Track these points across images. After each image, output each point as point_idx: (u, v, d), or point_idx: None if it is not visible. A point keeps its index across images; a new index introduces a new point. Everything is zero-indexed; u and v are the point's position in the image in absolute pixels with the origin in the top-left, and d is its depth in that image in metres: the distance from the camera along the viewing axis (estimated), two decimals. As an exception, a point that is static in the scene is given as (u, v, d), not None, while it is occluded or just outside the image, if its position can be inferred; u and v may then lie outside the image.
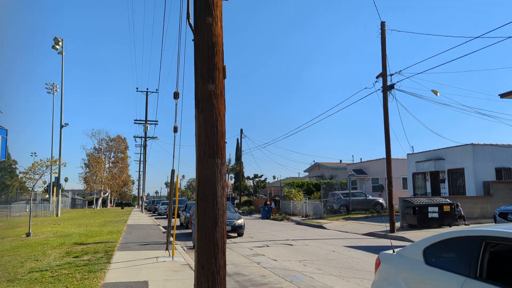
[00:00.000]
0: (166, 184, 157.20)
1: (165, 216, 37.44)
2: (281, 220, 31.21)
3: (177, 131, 9.47)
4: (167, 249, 11.24)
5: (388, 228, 19.92)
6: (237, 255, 12.67)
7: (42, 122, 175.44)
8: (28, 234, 17.82)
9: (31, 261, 10.35)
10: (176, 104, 9.22)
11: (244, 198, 50.18)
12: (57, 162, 19.06)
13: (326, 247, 14.08)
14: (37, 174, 19.13)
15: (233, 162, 77.30)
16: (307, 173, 50.61)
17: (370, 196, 31.22)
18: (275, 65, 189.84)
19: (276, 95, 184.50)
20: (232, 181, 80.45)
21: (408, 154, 30.04)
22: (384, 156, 36.03)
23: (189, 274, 8.73)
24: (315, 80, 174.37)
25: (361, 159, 45.18)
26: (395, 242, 15.82)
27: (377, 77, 19.48)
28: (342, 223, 25.25)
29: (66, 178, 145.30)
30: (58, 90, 53.13)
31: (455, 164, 25.65)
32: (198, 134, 4.70)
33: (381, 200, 31.06)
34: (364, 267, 10.14)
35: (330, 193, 31.53)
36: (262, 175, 46.95)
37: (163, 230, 21.13)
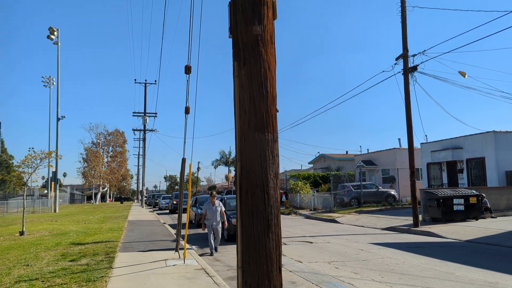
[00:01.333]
0: (165, 178, 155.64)
1: (168, 211, 36.36)
2: (289, 214, 29.83)
3: (189, 112, 8.02)
4: (176, 250, 9.81)
5: (409, 222, 18.57)
6: (229, 244, 11.30)
7: (39, 116, 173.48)
8: (21, 233, 16.40)
9: (21, 267, 8.92)
10: (187, 80, 7.76)
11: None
12: (52, 155, 17.62)
13: (351, 245, 12.67)
14: (30, 167, 17.69)
15: (233, 154, 76.00)
16: (311, 165, 49.17)
17: (381, 188, 29.82)
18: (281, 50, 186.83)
19: (281, 82, 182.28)
20: (233, 174, 79.15)
21: (422, 143, 28.59)
22: (394, 146, 34.85)
23: (206, 282, 7.31)
24: (325, 67, 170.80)
25: (368, 149, 43.79)
26: (423, 238, 14.45)
27: (397, 59, 18.01)
28: (356, 216, 23.88)
29: (64, 173, 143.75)
30: (54, 83, 51.50)
31: (474, 153, 24.23)
32: (240, 98, 3.24)
33: (393, 192, 29.68)
34: (407, 270, 8.72)
35: (340, 185, 30.13)
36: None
37: (167, 226, 19.72)
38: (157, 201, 48.46)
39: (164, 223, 21.49)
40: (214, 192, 11.48)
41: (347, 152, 46.62)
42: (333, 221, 22.51)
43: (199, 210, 19.36)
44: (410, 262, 9.63)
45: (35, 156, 17.66)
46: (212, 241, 11.24)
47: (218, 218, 11.17)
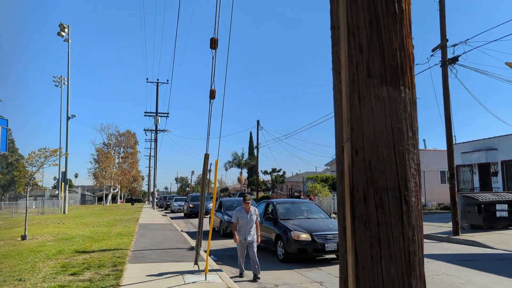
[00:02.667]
0: (176, 179, 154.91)
1: (182, 215, 33.28)
2: (307, 218, 28.33)
3: (214, 97, 6.55)
4: (196, 263, 8.32)
5: (444, 229, 16.94)
6: (284, 267, 9.77)
7: (50, 116, 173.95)
8: (23, 237, 15.07)
9: (11, 282, 7.52)
10: (213, 58, 6.29)
11: (261, 194, 47.29)
12: (58, 152, 16.33)
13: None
14: (34, 166, 16.40)
15: (246, 156, 74.50)
16: (327, 167, 47.51)
17: (406, 192, 28.12)
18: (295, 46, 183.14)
19: (293, 83, 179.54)
20: (245, 176, 77.68)
21: (450, 144, 26.81)
22: (420, 148, 33.00)
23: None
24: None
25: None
26: (469, 249, 12.79)
27: (433, 50, 16.37)
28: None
29: (76, 174, 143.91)
30: (66, 83, 50.55)
31: (511, 154, 22.45)
32: (348, 24, 1.74)
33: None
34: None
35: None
36: (281, 169, 43.98)
37: (179, 230, 18.28)
38: (169, 203, 46.53)
39: (182, 230, 20.05)
40: (248, 196, 8.64)
41: (365, 153, 44.84)
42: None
43: (225, 217, 17.19)
44: (475, 280, 8.04)
45: (40, 154, 16.37)
46: (243, 260, 8.78)
47: (253, 230, 8.53)
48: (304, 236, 10.27)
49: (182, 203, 37.21)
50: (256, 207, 13.25)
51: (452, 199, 15.54)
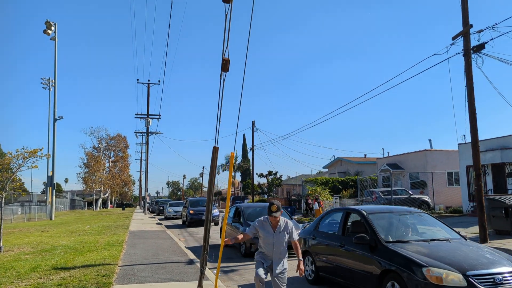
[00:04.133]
0: (167, 184, 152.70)
1: (180, 222, 28.58)
2: (309, 222, 26.67)
3: (227, 69, 4.92)
4: (200, 285, 6.64)
5: (466, 235, 15.40)
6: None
7: (38, 119, 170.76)
8: (-3, 249, 13.27)
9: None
10: (226, 15, 4.67)
11: (256, 198, 45.61)
12: (39, 153, 14.58)
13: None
14: (8, 170, 14.58)
15: (239, 159, 72.86)
16: (325, 170, 45.99)
17: (413, 194, 26.64)
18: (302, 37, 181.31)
19: (287, 81, 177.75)
20: (239, 180, 75.99)
21: (459, 144, 25.39)
22: (425, 148, 31.64)
23: None
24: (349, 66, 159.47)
25: (388, 153, 40.58)
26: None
27: (454, 38, 14.87)
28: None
29: (66, 179, 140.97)
30: (53, 84, 48.55)
31: (528, 154, 21.07)
32: None
33: (427, 198, 26.51)
34: None
35: (366, 191, 26.99)
36: (277, 172, 42.32)
37: (175, 239, 16.55)
38: (162, 208, 43.52)
39: (182, 239, 18.28)
40: (275, 206, 5.71)
41: (365, 155, 43.43)
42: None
43: (245, 229, 12.84)
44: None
45: (17, 155, 14.57)
46: None
47: (283, 255, 5.81)
48: (454, 278, 5.54)
49: (179, 209, 33.49)
50: (323, 219, 9.07)
51: (479, 203, 13.97)
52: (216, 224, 24.05)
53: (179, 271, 9.13)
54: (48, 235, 19.16)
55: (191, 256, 11.64)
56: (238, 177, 74.16)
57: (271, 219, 5.73)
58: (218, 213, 25.61)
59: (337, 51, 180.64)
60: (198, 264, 9.69)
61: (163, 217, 37.87)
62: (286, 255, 5.84)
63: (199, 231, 22.04)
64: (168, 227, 26.62)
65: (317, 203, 26.07)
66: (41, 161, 15.45)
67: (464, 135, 26.53)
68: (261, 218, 5.93)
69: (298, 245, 5.88)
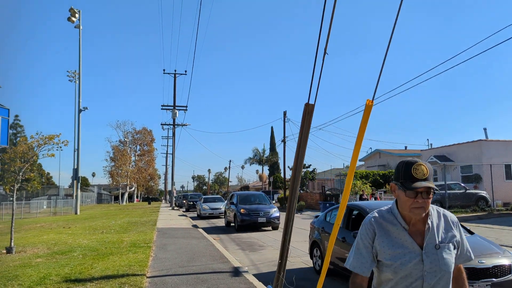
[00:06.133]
0: (193, 178, 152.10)
1: (226, 224, 21.26)
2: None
3: None
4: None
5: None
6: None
7: (62, 111, 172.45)
8: (8, 250, 11.46)
9: None
10: None
11: (287, 193, 43.34)
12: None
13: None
14: (25, 160, 12.75)
15: (267, 152, 70.69)
16: (362, 163, 43.34)
17: (469, 189, 23.89)
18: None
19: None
20: (267, 173, 73.84)
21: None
22: (480, 138, 28.80)
23: None
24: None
25: (431, 144, 37.65)
26: None
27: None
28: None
29: (93, 173, 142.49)
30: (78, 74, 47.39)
31: None
32: None
33: (484, 193, 23.70)
34: None
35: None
36: (310, 165, 39.96)
37: (210, 239, 14.47)
38: (192, 203, 38.28)
39: (215, 239, 16.23)
40: (423, 165, 2.15)
41: (406, 147, 40.57)
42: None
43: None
44: None
45: (31, 143, 12.73)
46: None
47: None
48: None
49: (219, 206, 27.59)
50: (333, 210, 9.16)
51: None
52: (275, 228, 18.87)
53: (227, 285, 6.98)
54: (69, 232, 17.41)
55: (234, 262, 9.50)
56: (266, 171, 72.04)
57: (412, 208, 2.17)
58: (279, 214, 19.07)
59: (374, 40, 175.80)
60: (247, 276, 7.54)
61: (195, 214, 31.54)
62: None
63: (248, 236, 16.67)
64: (193, 218, 24.86)
65: (373, 199, 23.56)
66: (64, 152, 13.62)
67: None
68: (375, 213, 2.36)
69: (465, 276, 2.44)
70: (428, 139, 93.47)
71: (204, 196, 31.62)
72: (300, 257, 11.10)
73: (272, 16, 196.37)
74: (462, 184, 24.10)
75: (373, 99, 2.61)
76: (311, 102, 3.39)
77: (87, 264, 9.04)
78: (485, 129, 30.84)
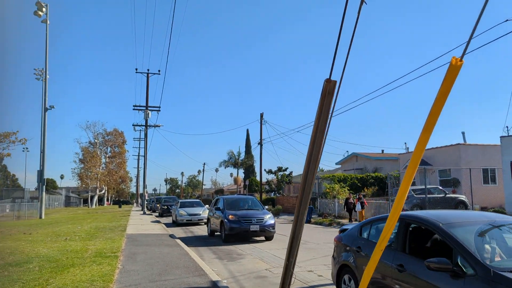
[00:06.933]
0: (165, 181, 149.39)
1: (210, 234, 18.10)
2: (329, 224, 23.59)
3: None
4: None
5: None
6: None
7: (29, 112, 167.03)
8: (-47, 261, 10.10)
9: None
10: None
11: (264, 196, 42.44)
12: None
13: None
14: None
15: (243, 155, 69.74)
16: (339, 166, 42.91)
17: (448, 193, 23.59)
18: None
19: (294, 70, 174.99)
20: (242, 176, 72.87)
21: (502, 136, 22.35)
22: (457, 142, 28.67)
23: None
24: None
25: (407, 148, 37.53)
26: None
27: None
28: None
29: (62, 175, 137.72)
30: (49, 76, 45.24)
31: None
32: None
33: (464, 198, 23.43)
34: None
35: (395, 189, 23.87)
36: (287, 168, 39.23)
37: (183, 246, 13.40)
38: (166, 207, 34.79)
39: (189, 246, 15.11)
40: None
41: (382, 151, 40.38)
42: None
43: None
44: None
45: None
46: None
47: None
48: None
49: (198, 211, 24.72)
50: (368, 226, 6.60)
51: None
52: (269, 238, 16.00)
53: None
54: (29, 238, 15.98)
55: (212, 275, 8.50)
56: (241, 174, 71.03)
57: None
58: (274, 221, 16.26)
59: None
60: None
61: (169, 220, 28.40)
62: None
63: (236, 249, 13.90)
64: (167, 225, 23.01)
65: (359, 204, 22.76)
66: (31, 153, 12.32)
67: (507, 126, 23.53)
68: None
69: None
70: (405, 143, 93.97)
71: (181, 200, 28.30)
72: (307, 280, 8.64)
73: (256, 20, 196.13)
74: (442, 188, 23.77)
75: (461, 58, 1.72)
76: (334, 78, 2.53)
77: (42, 279, 7.86)
78: (463, 133, 30.86)
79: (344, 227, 7.61)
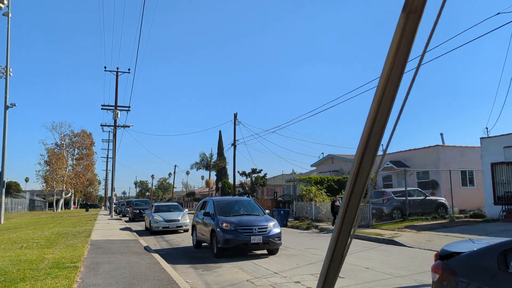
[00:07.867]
0: (135, 183, 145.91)
1: (196, 245, 14.98)
2: (307, 228, 22.76)
3: None
4: None
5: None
6: None
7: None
8: None
9: None
10: None
11: (237, 199, 41.33)
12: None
13: None
14: None
15: (215, 157, 68.39)
16: (314, 168, 42.24)
17: (429, 196, 23.11)
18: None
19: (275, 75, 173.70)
20: (214, 179, 71.54)
21: (482, 138, 22.00)
22: (435, 143, 28.32)
23: None
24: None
25: (383, 151, 37.06)
26: None
27: None
28: (417, 235, 17.01)
29: (26, 178, 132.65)
30: (11, 74, 42.78)
31: None
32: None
33: (444, 200, 23.00)
34: None
35: (374, 192, 23.21)
36: (261, 170, 38.28)
37: (150, 253, 12.14)
38: (139, 211, 31.75)
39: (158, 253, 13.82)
40: None
41: (358, 152, 39.77)
42: (392, 242, 15.53)
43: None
44: None
45: None
46: None
47: None
48: None
49: (176, 217, 21.45)
50: None
51: None
52: (273, 252, 12.89)
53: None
54: (-20, 246, 14.35)
55: (187, 289, 7.33)
56: (213, 176, 69.66)
57: None
58: (279, 229, 13.01)
59: (318, 52, 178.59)
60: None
61: (142, 227, 25.24)
62: None
63: (199, 250, 13.43)
64: (137, 231, 20.40)
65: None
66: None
67: (486, 128, 23.25)
68: None
69: None
70: (382, 144, 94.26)
71: (155, 204, 24.55)
72: None
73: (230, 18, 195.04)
74: (421, 191, 23.27)
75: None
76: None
77: (-19, 299, 6.53)
78: (441, 134, 30.60)
79: (446, 248, 4.96)
